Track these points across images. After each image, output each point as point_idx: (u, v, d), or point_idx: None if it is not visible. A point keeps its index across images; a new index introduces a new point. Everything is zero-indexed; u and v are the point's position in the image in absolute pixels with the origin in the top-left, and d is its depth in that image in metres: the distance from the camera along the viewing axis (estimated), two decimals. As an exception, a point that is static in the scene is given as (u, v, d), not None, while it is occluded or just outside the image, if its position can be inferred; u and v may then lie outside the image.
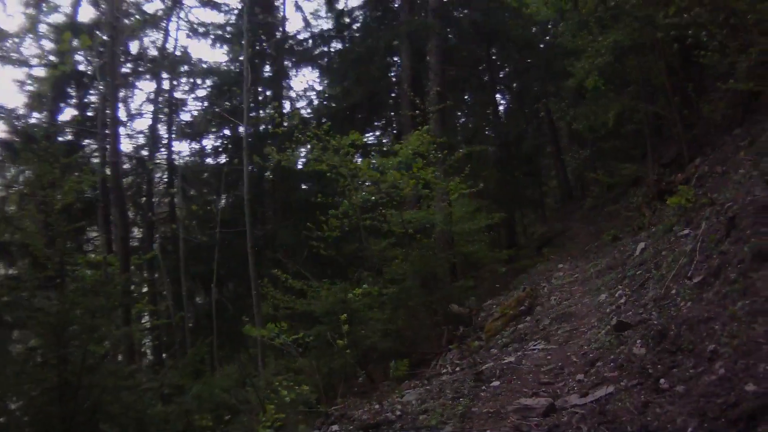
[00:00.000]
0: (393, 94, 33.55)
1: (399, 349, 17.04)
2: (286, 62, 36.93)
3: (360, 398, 13.15)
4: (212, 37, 36.64)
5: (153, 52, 36.71)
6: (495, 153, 31.69)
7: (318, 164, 19.02)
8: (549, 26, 34.02)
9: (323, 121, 20.13)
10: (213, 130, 37.15)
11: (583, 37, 21.31)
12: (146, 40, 36.43)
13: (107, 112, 28.56)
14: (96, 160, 33.86)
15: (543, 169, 41.32)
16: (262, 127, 33.31)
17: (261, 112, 35.02)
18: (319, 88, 39.52)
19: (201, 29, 36.70)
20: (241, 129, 29.16)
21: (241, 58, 32.46)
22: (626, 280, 13.05)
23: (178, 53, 37.24)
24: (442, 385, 10.83)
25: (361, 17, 34.96)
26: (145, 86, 52.19)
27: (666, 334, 7.86)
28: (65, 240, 15.91)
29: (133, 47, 35.13)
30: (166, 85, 37.80)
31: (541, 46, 32.04)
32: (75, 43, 29.44)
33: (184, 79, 38.37)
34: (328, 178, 20.29)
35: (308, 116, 33.40)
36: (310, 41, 35.59)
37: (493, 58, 35.34)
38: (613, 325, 9.77)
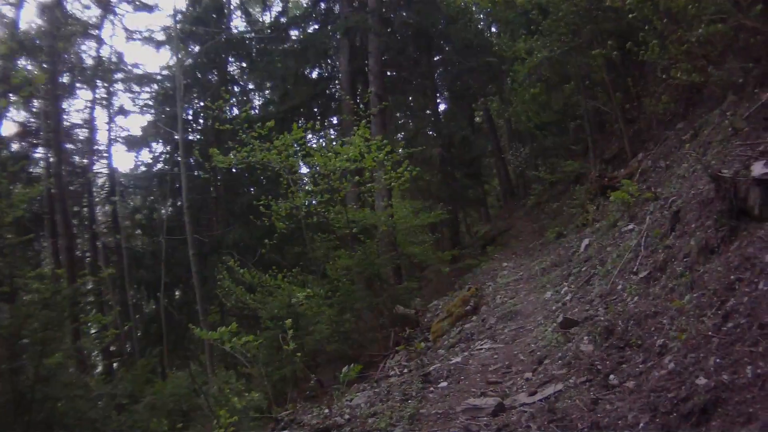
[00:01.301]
0: (334, 97, 33.54)
1: (346, 352, 17.03)
2: (230, 66, 36.90)
3: (310, 402, 13.10)
4: (153, 41, 36.47)
5: (89, 60, 36.37)
6: (439, 154, 31.71)
7: (253, 157, 18.92)
8: (485, 26, 34.39)
9: (262, 124, 19.95)
10: (154, 138, 36.84)
11: (523, 41, 21.54)
12: (82, 48, 36.09)
13: (49, 122, 28.34)
14: (39, 170, 33.62)
15: (484, 169, 41.42)
16: (201, 135, 33.20)
17: (203, 117, 34.80)
18: (259, 93, 39.56)
19: (136, 35, 36.55)
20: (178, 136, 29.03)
21: (177, 63, 32.31)
22: (571, 277, 13.11)
23: (113, 60, 36.96)
24: (390, 387, 10.83)
25: (300, 20, 34.93)
26: (84, 95, 51.82)
27: (613, 330, 7.86)
28: (15, 252, 15.74)
29: (71, 57, 34.70)
30: (105, 93, 37.56)
31: (478, 48, 32.08)
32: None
33: (122, 87, 38.15)
34: (271, 182, 20.26)
35: (251, 117, 33.35)
36: (253, 42, 35.50)
37: (434, 59, 35.40)
38: (559, 323, 9.77)
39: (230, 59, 36.75)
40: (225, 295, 19.99)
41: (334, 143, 19.95)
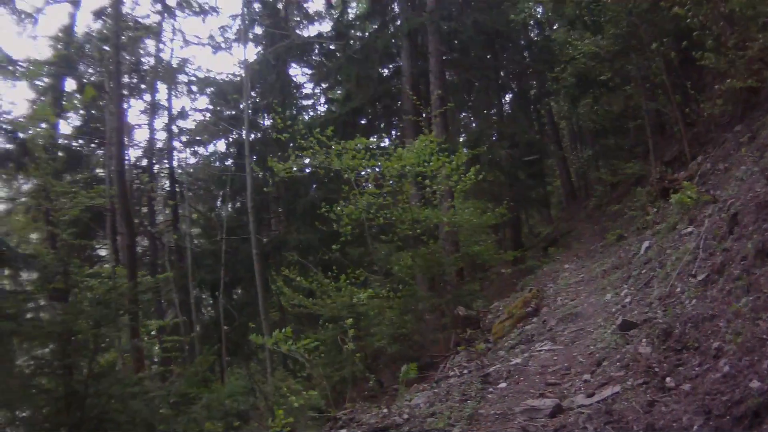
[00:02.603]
0: (396, 98, 33.51)
1: (407, 352, 17.06)
2: (290, 67, 37.04)
3: (369, 402, 13.17)
4: (211, 46, 36.75)
5: (150, 62, 36.72)
6: (505, 155, 31.58)
7: (315, 160, 19.09)
8: (545, 25, 34.27)
9: (322, 128, 20.05)
10: (218, 136, 37.08)
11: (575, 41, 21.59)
12: (143, 50, 36.42)
13: (108, 123, 28.65)
14: (101, 172, 33.97)
15: (546, 170, 41.24)
16: (261, 134, 33.37)
17: (265, 116, 34.96)
18: (322, 92, 39.67)
19: (195, 39, 36.88)
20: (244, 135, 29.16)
21: (242, 67, 32.53)
22: (631, 279, 13.07)
23: (174, 63, 37.29)
24: (449, 387, 10.86)
25: (359, 23, 34.98)
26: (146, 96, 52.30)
27: (671, 333, 7.89)
28: (72, 251, 15.94)
29: (132, 59, 35.00)
30: (165, 94, 37.96)
31: (541, 48, 31.95)
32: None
33: (183, 89, 38.43)
34: (332, 181, 20.35)
35: (311, 122, 33.42)
36: (314, 45, 35.59)
37: (497, 60, 35.28)
38: (618, 325, 9.78)
39: (292, 62, 36.86)
40: (284, 300, 20.09)
41: (396, 148, 19.97)
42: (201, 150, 38.18)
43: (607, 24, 20.42)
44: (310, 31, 38.05)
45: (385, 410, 10.29)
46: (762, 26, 12.00)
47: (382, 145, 28.00)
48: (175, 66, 37.10)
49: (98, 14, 31.86)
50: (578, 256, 22.20)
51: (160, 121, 37.73)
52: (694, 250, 10.54)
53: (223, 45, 36.59)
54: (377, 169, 20.00)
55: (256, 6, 33.83)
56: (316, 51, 35.71)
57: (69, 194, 16.21)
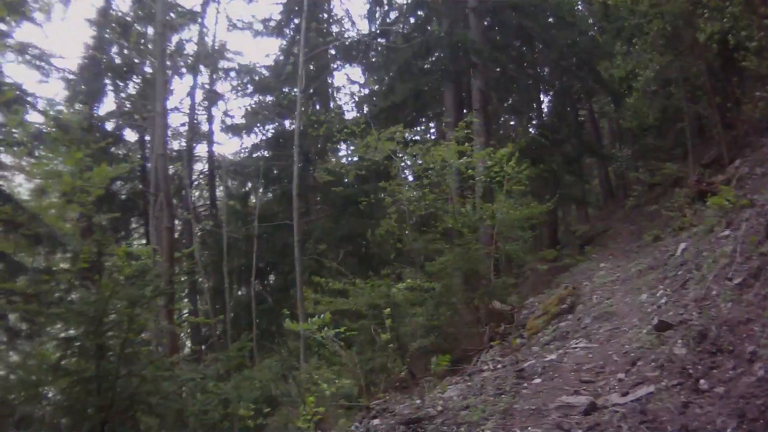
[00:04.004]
0: (438, 92, 33.51)
1: (441, 345, 17.12)
2: (333, 61, 37.09)
3: (401, 393, 13.26)
4: (255, 30, 36.88)
5: (193, 46, 36.95)
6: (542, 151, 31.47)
7: (357, 152, 19.23)
8: (589, 25, 34.17)
9: (363, 120, 20.20)
10: (256, 123, 37.19)
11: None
12: (185, 34, 36.62)
13: (147, 106, 28.93)
14: (135, 152, 34.31)
15: (585, 168, 41.12)
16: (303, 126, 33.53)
17: (304, 108, 35.11)
18: (364, 88, 39.75)
19: (239, 24, 37.03)
20: (289, 125, 29.37)
21: (289, 54, 32.76)
22: (667, 281, 13.07)
23: (216, 47, 37.50)
24: (483, 381, 10.93)
25: (402, 20, 34.99)
26: (187, 80, 52.54)
27: (706, 335, 7.93)
28: (103, 231, 16.04)
29: (174, 42, 35.17)
30: (205, 78, 38.15)
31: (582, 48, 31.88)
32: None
33: (231, 74, 38.63)
34: (371, 172, 20.43)
35: (353, 115, 33.57)
36: (356, 41, 35.61)
37: (539, 56, 35.23)
38: (654, 325, 9.81)
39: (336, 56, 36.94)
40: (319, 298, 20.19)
41: (436, 142, 20.04)
42: (244, 137, 38.35)
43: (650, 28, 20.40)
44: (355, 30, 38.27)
45: (419, 401, 10.37)
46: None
47: (419, 138, 28.12)
48: (216, 49, 37.34)
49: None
50: (614, 256, 22.18)
51: (201, 107, 38.00)
52: (730, 253, 10.55)
53: (270, 29, 36.71)
54: (418, 162, 20.11)
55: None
56: (357, 43, 35.78)
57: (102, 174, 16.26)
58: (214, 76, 38.27)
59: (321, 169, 21.31)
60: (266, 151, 36.49)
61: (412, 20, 34.20)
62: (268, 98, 36.50)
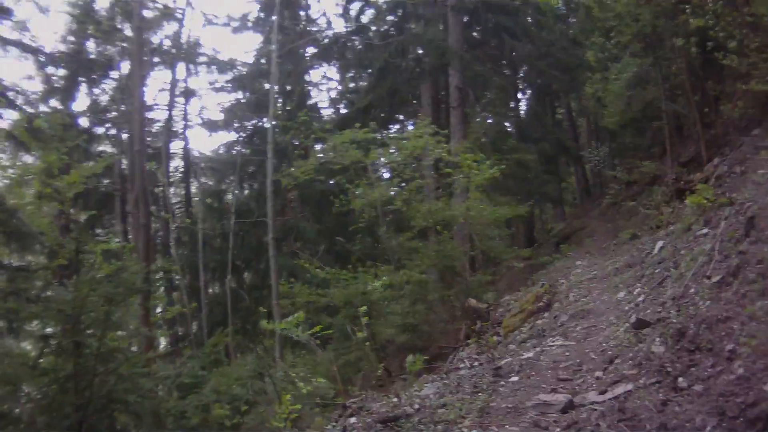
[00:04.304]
0: (415, 89, 33.55)
1: (417, 342, 17.12)
2: (307, 57, 37.05)
3: (378, 391, 13.20)
4: (234, 27, 36.85)
5: (168, 42, 36.96)
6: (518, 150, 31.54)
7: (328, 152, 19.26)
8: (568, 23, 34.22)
9: (329, 125, 20.30)
10: (233, 120, 37.17)
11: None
12: (162, 31, 36.63)
13: (122, 104, 28.86)
14: (110, 149, 34.20)
15: (561, 166, 41.25)
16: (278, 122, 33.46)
17: (280, 105, 35.09)
18: (339, 86, 39.83)
19: (216, 20, 37.06)
20: (265, 122, 29.35)
21: (264, 51, 32.73)
22: (645, 278, 13.07)
23: (191, 42, 37.49)
24: (460, 379, 10.89)
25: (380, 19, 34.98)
26: (162, 77, 52.43)
27: (685, 333, 7.90)
28: (80, 228, 15.96)
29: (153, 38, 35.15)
30: (181, 75, 38.14)
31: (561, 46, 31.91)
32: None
33: (202, 69, 38.64)
34: (345, 170, 20.42)
35: (329, 115, 33.65)
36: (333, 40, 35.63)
37: (517, 55, 35.29)
38: (631, 323, 9.82)
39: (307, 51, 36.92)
40: (297, 291, 20.15)
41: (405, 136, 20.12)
42: (220, 134, 38.54)
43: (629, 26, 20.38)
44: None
45: (395, 399, 10.31)
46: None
47: (391, 135, 28.15)
48: (192, 45, 37.32)
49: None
50: (591, 254, 22.23)
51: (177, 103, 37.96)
52: (709, 251, 10.53)
53: (248, 25, 36.70)
54: (395, 156, 20.15)
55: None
56: (329, 40, 35.81)
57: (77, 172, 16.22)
58: (191, 72, 38.30)
59: (284, 175, 21.28)
60: (243, 148, 36.44)
61: (389, 18, 34.10)
62: (246, 95, 36.45)
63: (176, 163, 40.20)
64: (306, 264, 19.75)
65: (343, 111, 35.28)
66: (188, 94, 38.19)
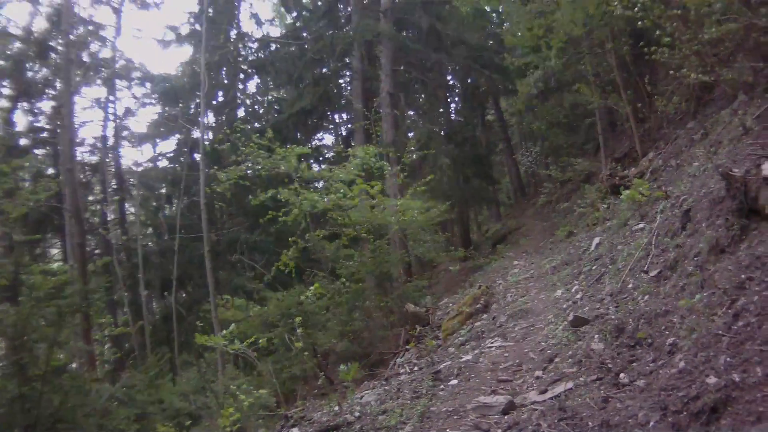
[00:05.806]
0: (345, 96, 33.58)
1: (356, 350, 17.03)
2: (241, 67, 36.95)
3: (320, 400, 13.13)
4: (164, 41, 36.65)
5: (98, 58, 36.61)
6: (449, 152, 31.61)
7: (258, 161, 19.22)
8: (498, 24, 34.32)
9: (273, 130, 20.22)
10: (164, 134, 36.98)
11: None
12: (93, 47, 36.24)
13: (58, 121, 28.51)
14: (46, 167, 33.79)
15: (495, 167, 41.41)
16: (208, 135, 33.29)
17: (213, 117, 34.99)
18: (270, 94, 39.71)
19: (144, 35, 37.08)
20: (196, 134, 29.16)
21: (195, 65, 32.56)
22: (582, 276, 13.09)
23: (121, 60, 37.21)
24: (400, 385, 10.85)
25: (312, 23, 34.94)
26: (91, 94, 52.04)
27: (624, 329, 7.89)
28: (20, 249, 15.75)
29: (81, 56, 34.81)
30: (112, 91, 37.77)
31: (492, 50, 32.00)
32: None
33: (128, 84, 38.39)
34: (280, 183, 20.32)
35: (260, 124, 33.45)
36: (264, 48, 35.59)
37: (446, 58, 35.37)
38: (570, 321, 9.78)
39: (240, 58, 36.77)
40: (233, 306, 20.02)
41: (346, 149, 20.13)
42: (150, 149, 38.26)
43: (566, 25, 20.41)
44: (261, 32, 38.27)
45: (337, 408, 10.24)
46: (716, 22, 12.04)
47: (328, 144, 28.17)
48: (123, 63, 37.05)
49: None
50: (527, 253, 22.32)
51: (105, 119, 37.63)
52: (646, 246, 10.57)
53: (176, 39, 36.52)
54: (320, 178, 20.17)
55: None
56: (261, 49, 35.77)
57: (14, 191, 16.00)
58: (119, 87, 37.99)
59: (212, 181, 21.22)
60: (174, 162, 36.24)
61: (321, 24, 34.08)
62: (177, 108, 36.25)
63: (111, 180, 39.91)
64: (245, 281, 19.65)
65: (276, 116, 35.10)
66: (119, 108, 37.99)
